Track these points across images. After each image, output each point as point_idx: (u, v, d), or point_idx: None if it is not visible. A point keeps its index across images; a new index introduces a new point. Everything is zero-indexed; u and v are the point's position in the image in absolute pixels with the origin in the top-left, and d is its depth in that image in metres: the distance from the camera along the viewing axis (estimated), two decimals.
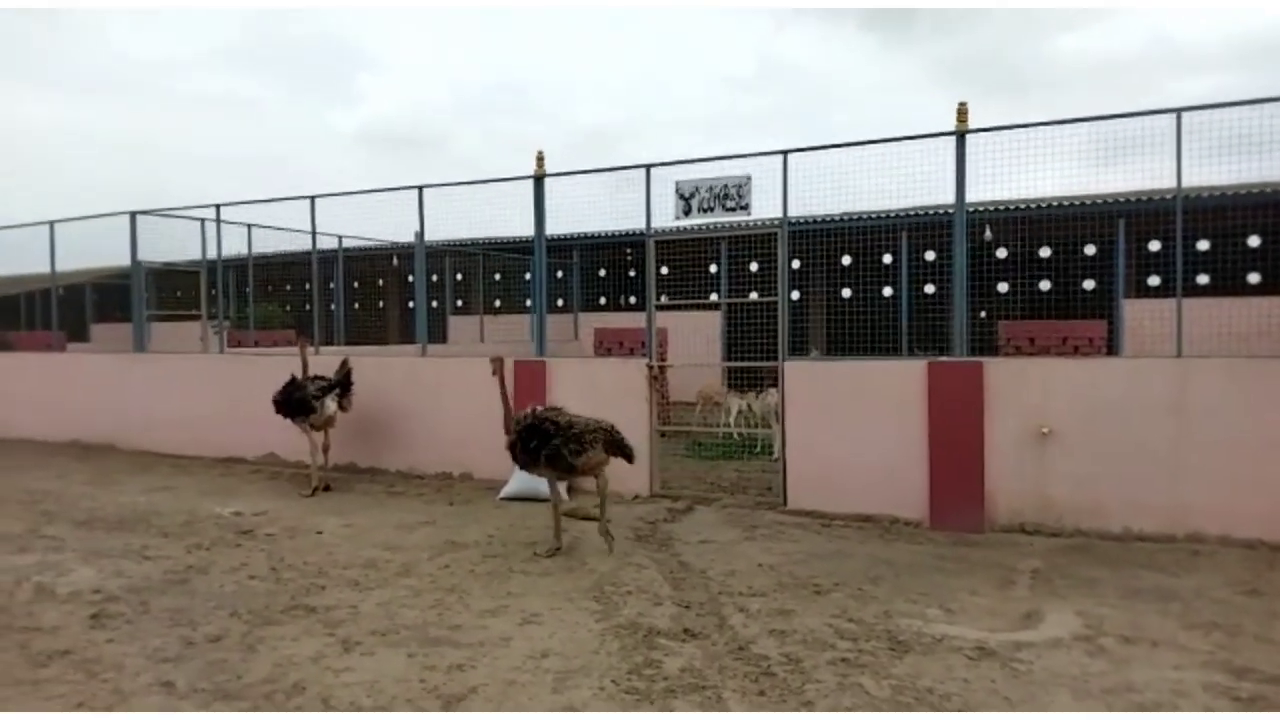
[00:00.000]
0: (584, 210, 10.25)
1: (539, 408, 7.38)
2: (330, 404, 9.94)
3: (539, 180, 9.91)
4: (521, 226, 10.07)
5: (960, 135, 7.85)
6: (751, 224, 9.44)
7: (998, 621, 5.57)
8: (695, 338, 16.41)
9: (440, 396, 10.53)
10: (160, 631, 5.50)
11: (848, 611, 5.73)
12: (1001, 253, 16.57)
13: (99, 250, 14.19)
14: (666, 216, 9.16)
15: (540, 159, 9.87)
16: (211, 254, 12.75)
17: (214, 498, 9.57)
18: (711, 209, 8.78)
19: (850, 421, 8.26)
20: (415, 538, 7.74)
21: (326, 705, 4.49)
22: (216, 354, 13.14)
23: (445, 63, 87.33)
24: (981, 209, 14.78)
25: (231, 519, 8.53)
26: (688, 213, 8.91)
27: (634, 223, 9.45)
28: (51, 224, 14.18)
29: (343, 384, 9.95)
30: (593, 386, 9.60)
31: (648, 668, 4.88)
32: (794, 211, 8.42)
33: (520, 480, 9.32)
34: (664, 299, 9.91)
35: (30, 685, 4.76)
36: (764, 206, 8.74)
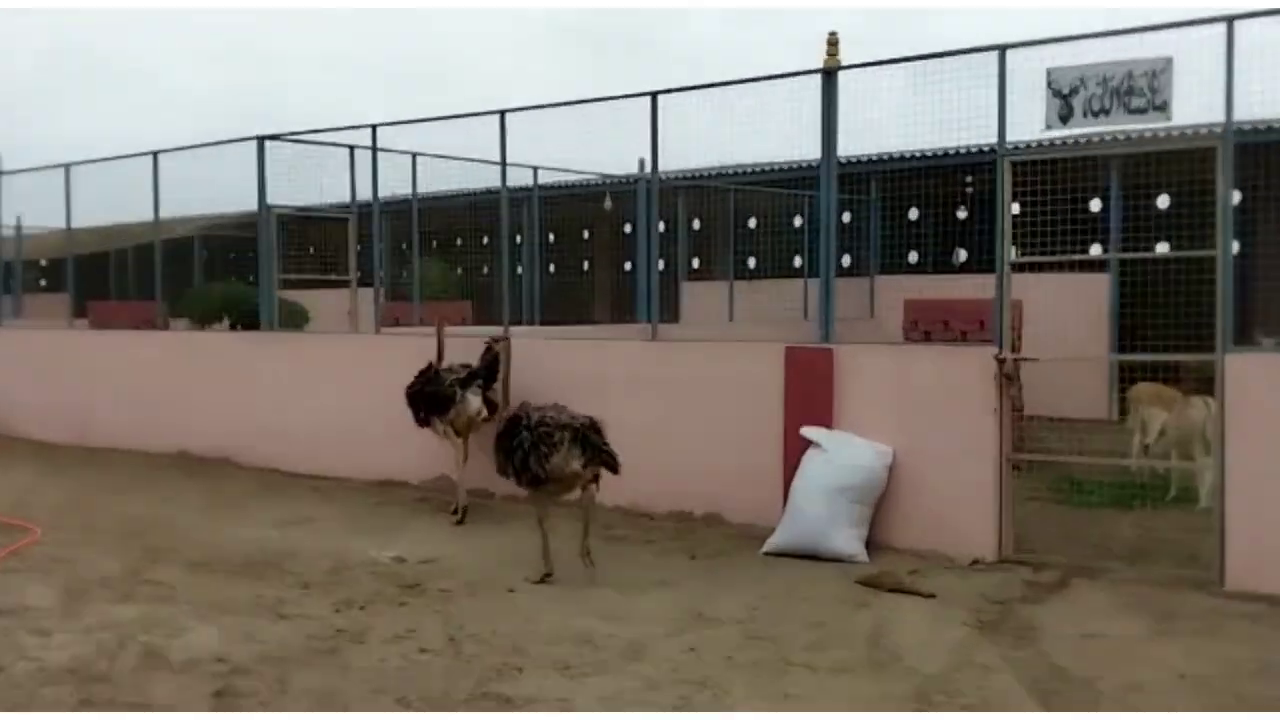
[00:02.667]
0: (886, 123, 10.43)
1: (529, 405, 8.80)
2: (473, 399, 10.65)
3: (829, 75, 9.98)
4: (786, 149, 10.22)
5: None
6: (1170, 133, 9.12)
7: None
8: (1064, 315, 15.90)
9: (675, 401, 10.82)
10: None
11: None
12: None
13: (205, 191, 15.59)
14: (1025, 126, 9.08)
15: (833, 42, 10.00)
16: (364, 194, 13.64)
17: (368, 536, 10.23)
18: (1106, 110, 8.57)
19: None
20: (646, 605, 7.96)
21: None
22: (369, 334, 14.08)
23: None
24: None
25: (392, 566, 9.11)
26: (1066, 118, 8.73)
27: (968, 137, 9.37)
28: (155, 154, 15.63)
29: (488, 373, 10.65)
30: (904, 389, 9.61)
31: None
32: (1241, 114, 8.11)
33: (795, 528, 9.41)
34: (1016, 255, 9.67)
35: None
36: (1185, 110, 8.50)
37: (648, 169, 12.17)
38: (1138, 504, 11.28)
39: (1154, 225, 18.25)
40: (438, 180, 14.71)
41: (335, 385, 13.38)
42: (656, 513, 10.85)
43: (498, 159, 12.32)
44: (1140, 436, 12.17)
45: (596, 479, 8.65)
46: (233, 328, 18.09)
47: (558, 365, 11.35)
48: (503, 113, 12.06)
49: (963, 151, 18.11)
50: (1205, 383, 13.78)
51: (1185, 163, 10.72)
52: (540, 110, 11.93)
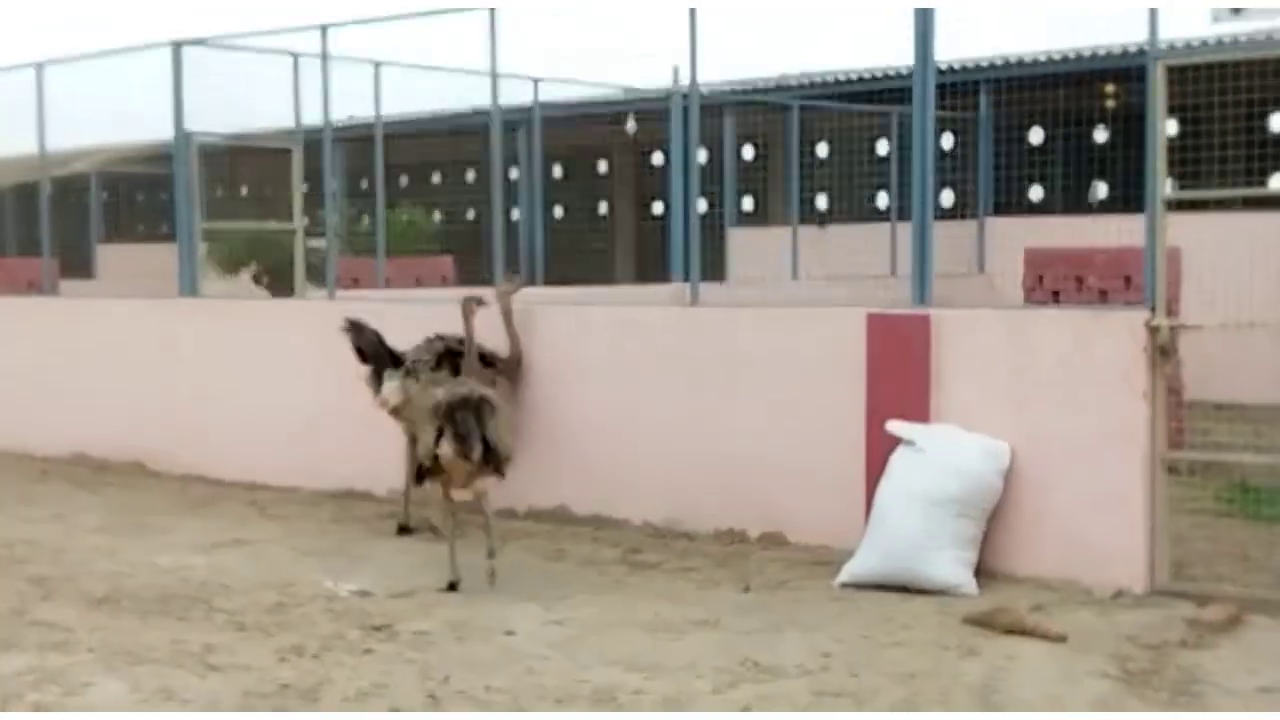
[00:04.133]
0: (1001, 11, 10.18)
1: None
2: (389, 383, 10.95)
3: None
4: (875, 51, 10.18)
5: None
6: None
7: None
8: (1235, 267, 15.73)
9: (722, 386, 10.78)
10: None
11: None
12: None
13: (106, 116, 15.53)
14: (1181, 22, 9.27)
15: None
16: (312, 117, 13.60)
17: (322, 561, 10.26)
18: None
19: None
20: (684, 651, 7.94)
21: None
22: (322, 299, 14.12)
23: None
24: None
25: (353, 602, 9.11)
26: (1239, 10, 8.67)
27: (1112, 35, 9.31)
28: (39, 67, 15.61)
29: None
30: (1025, 368, 9.55)
31: None
32: None
33: (881, 551, 9.39)
34: (1173, 189, 9.63)
35: None
36: None
37: (684, 79, 12.09)
38: None
39: None
40: (409, 99, 14.63)
41: (278, 367, 13.43)
42: (699, 532, 10.83)
43: (487, 69, 12.22)
44: None
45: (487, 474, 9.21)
46: (256, 282, 18.22)
47: (560, 340, 11.43)
48: (492, 10, 11.93)
49: (1100, 54, 18.00)
50: None
51: None
52: (543, 6, 11.99)
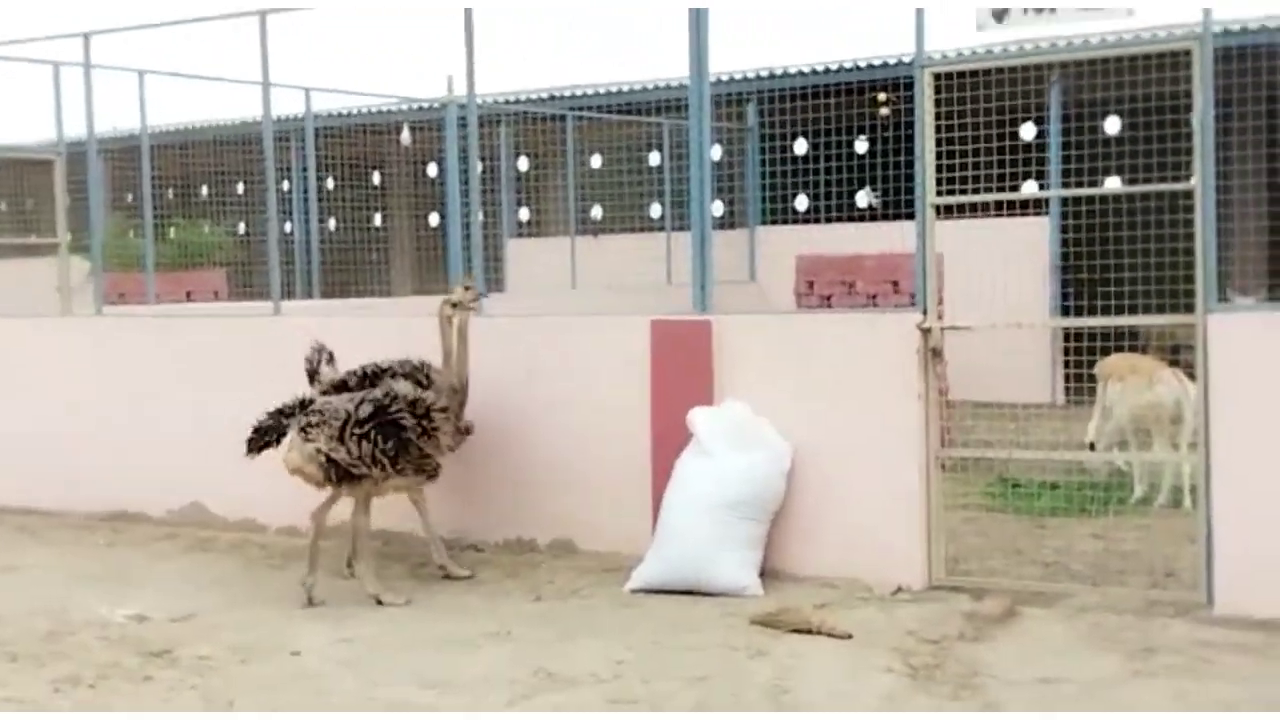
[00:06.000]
0: (768, 26, 10.20)
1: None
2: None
3: None
4: (646, 64, 10.20)
5: None
6: (1133, 36, 9.21)
7: None
8: (992, 270, 16.07)
9: (505, 397, 10.69)
10: None
11: None
12: None
13: None
14: (947, 32, 9.48)
15: None
16: (76, 130, 13.22)
17: (96, 586, 9.92)
18: (1051, 7, 8.68)
19: None
20: (476, 665, 7.88)
21: None
22: (89, 315, 13.64)
23: None
24: None
25: (130, 628, 8.82)
26: (1002, 16, 8.85)
27: (875, 47, 9.45)
28: None
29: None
30: (803, 371, 9.64)
31: None
32: (1223, 14, 8.24)
33: (669, 556, 9.39)
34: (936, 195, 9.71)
35: None
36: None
37: (459, 89, 11.96)
38: (1098, 508, 11.47)
39: (1104, 155, 18.54)
40: (176, 109, 14.35)
41: (42, 385, 12.99)
42: (487, 542, 10.78)
43: (258, 78, 12.01)
44: (1103, 420, 12.47)
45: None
46: None
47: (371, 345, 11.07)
48: (263, 13, 11.76)
49: (863, 66, 18.31)
50: (1172, 352, 14.01)
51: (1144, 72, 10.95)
52: (318, 12, 11.85)
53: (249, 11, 11.72)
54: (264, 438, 9.37)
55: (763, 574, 9.40)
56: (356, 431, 9.08)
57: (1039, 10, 8.73)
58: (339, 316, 12.79)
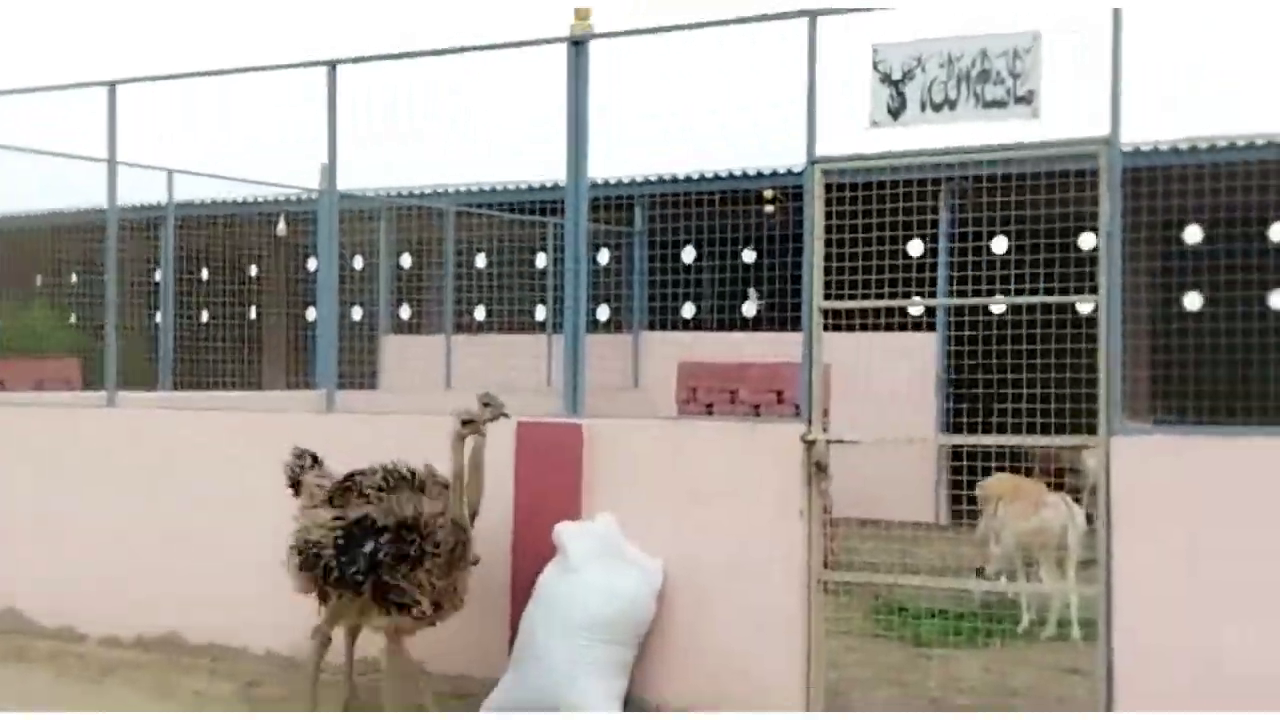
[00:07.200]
0: (657, 131, 10.05)
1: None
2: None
3: (578, 45, 9.90)
4: (524, 165, 10.06)
5: None
6: (1038, 143, 9.08)
7: None
8: (877, 383, 16.14)
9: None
10: None
11: None
12: None
13: None
14: (842, 130, 9.18)
15: (583, 8, 10.01)
16: None
17: None
18: (950, 104, 8.66)
19: None
20: None
21: None
22: None
23: None
24: None
25: None
26: (898, 113, 8.76)
27: (765, 157, 9.33)
28: None
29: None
30: (679, 481, 9.48)
31: None
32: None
33: (525, 681, 9.06)
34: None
35: None
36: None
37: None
38: (984, 639, 11.50)
39: (992, 272, 18.74)
40: (14, 193, 13.93)
41: None
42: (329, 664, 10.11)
43: (104, 154, 11.61)
44: (994, 545, 12.54)
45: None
46: None
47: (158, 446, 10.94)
48: (113, 84, 11.36)
49: (751, 174, 18.45)
50: (1056, 475, 14.14)
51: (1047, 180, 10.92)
52: (175, 82, 11.34)
53: (98, 81, 11.38)
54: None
55: (628, 703, 9.14)
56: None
57: (937, 107, 8.73)
58: (185, 410, 12.27)
